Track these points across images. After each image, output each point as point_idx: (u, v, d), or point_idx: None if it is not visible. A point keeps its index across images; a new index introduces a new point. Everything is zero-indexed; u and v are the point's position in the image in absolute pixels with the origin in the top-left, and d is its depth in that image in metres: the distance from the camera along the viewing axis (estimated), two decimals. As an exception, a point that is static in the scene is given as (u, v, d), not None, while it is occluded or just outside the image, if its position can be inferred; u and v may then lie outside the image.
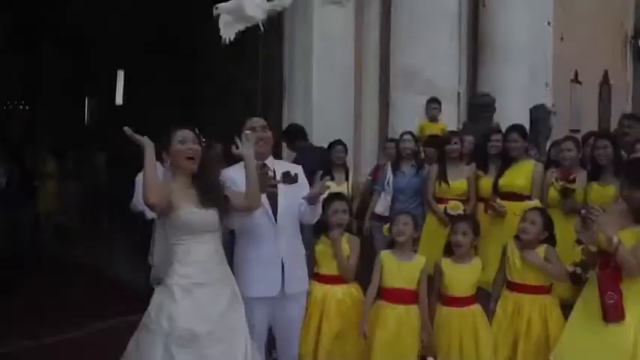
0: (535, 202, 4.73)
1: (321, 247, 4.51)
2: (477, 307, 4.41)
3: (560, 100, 11.51)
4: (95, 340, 5.67)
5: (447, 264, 4.47)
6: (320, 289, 4.44)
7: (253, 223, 4.03)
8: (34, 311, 6.41)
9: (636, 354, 3.72)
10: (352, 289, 4.51)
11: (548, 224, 4.49)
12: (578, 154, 5.68)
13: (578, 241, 4.79)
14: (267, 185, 4.02)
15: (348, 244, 4.50)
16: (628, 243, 3.73)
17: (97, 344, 5.42)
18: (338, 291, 4.44)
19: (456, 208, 6.05)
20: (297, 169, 4.32)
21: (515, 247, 4.47)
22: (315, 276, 4.52)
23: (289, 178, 4.17)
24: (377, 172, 7.13)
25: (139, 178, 6.80)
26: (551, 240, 4.50)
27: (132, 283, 7.61)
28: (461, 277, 4.42)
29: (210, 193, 3.66)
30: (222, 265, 3.68)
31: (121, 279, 8.16)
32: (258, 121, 4.28)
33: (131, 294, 6.98)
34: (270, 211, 4.09)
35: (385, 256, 4.42)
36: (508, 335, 4.35)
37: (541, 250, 4.38)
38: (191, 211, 3.53)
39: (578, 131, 10.15)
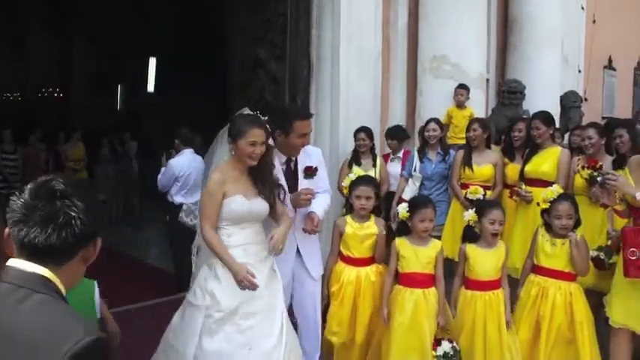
0: (556, 187, 4.67)
1: (350, 230, 4.64)
2: (501, 291, 4.44)
3: (593, 86, 11.37)
4: (124, 319, 5.77)
5: (471, 249, 4.52)
6: (352, 270, 4.59)
7: None
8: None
9: None
10: (382, 270, 4.67)
11: (577, 210, 4.55)
12: (601, 141, 5.60)
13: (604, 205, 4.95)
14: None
15: (376, 225, 4.66)
16: None
17: (126, 324, 5.52)
18: (370, 272, 4.61)
19: (475, 193, 6.05)
20: (317, 157, 4.44)
21: (546, 232, 4.55)
22: (343, 258, 4.66)
23: (311, 173, 4.32)
24: (405, 158, 7.15)
25: (172, 162, 6.97)
26: (576, 223, 4.56)
27: (160, 267, 7.77)
28: (485, 261, 4.47)
29: (265, 184, 3.84)
30: (261, 245, 3.83)
31: (150, 263, 8.33)
32: (308, 127, 4.26)
33: (160, 277, 7.12)
34: (289, 202, 4.18)
35: (401, 242, 4.47)
36: (531, 316, 4.43)
37: (574, 238, 4.44)
38: (239, 202, 3.70)
39: (615, 118, 10.02)
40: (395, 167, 7.10)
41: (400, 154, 7.23)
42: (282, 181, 4.18)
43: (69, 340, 1.55)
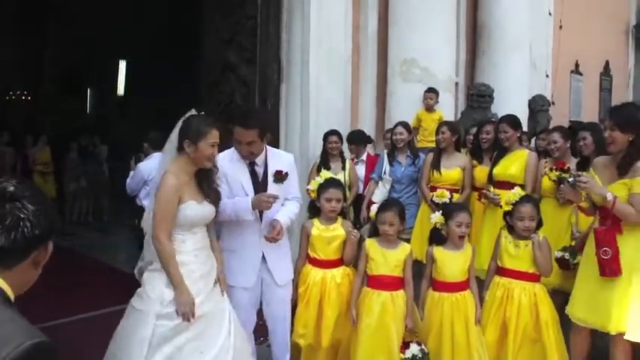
0: (518, 190, 4.72)
1: (316, 233, 4.63)
2: (468, 293, 4.48)
3: (560, 90, 11.51)
4: (90, 326, 5.74)
5: (438, 251, 4.54)
6: (317, 272, 4.59)
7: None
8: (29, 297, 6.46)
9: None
10: (349, 272, 4.67)
11: (539, 212, 4.60)
12: (566, 144, 5.72)
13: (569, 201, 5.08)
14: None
15: (342, 228, 4.66)
16: (619, 194, 4.02)
17: (91, 330, 5.49)
18: (336, 274, 4.59)
19: (441, 196, 6.07)
20: (288, 162, 4.39)
21: (509, 234, 4.59)
22: (310, 260, 4.66)
23: (280, 178, 4.25)
24: (374, 161, 7.17)
25: (141, 166, 6.92)
26: (538, 224, 4.61)
27: (129, 272, 7.70)
28: (452, 263, 4.49)
29: (210, 187, 3.81)
30: (208, 250, 3.82)
31: (119, 267, 8.25)
32: (245, 135, 4.09)
33: (129, 281, 7.06)
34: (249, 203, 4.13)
35: (371, 244, 4.48)
36: (497, 318, 4.45)
37: (537, 239, 4.47)
38: (194, 208, 3.66)
39: (578, 122, 10.16)
40: (359, 170, 7.12)
41: (364, 157, 7.26)
42: (248, 185, 4.16)
43: (9, 345, 1.52)
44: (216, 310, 3.71)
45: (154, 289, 3.59)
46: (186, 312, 3.49)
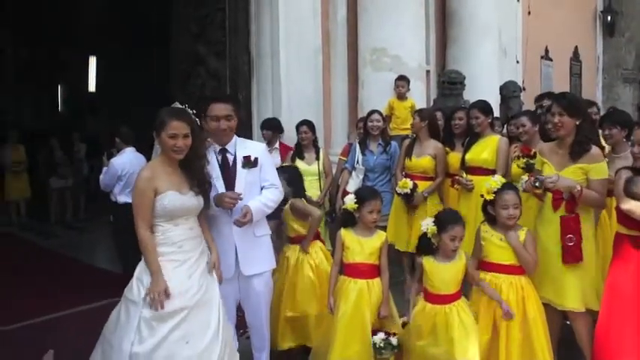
0: (499, 177, 4.56)
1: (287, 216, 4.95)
2: (461, 302, 4.25)
3: (531, 76, 11.60)
4: (70, 323, 5.69)
5: (428, 262, 4.31)
6: (290, 247, 4.97)
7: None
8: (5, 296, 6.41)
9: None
10: (321, 246, 5.01)
11: (521, 200, 4.40)
12: (534, 128, 5.67)
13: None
14: None
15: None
16: (576, 178, 4.23)
17: (71, 328, 5.46)
18: (312, 252, 4.93)
19: (403, 186, 6.06)
20: (257, 149, 4.36)
21: (491, 228, 4.35)
22: (289, 240, 5.01)
23: (249, 164, 4.22)
24: (347, 151, 7.13)
25: (113, 161, 6.85)
26: None
27: (107, 270, 7.66)
28: (445, 275, 4.25)
29: (197, 179, 3.78)
30: (196, 240, 3.80)
31: (98, 265, 8.21)
32: (223, 109, 4.14)
33: (107, 278, 7.02)
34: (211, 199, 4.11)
35: (346, 234, 4.45)
36: (487, 317, 4.25)
37: (522, 233, 4.27)
38: (172, 198, 3.64)
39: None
40: (274, 159, 6.89)
41: (277, 146, 7.21)
42: (216, 172, 4.13)
43: None
44: (204, 300, 3.69)
45: (142, 278, 3.62)
46: (155, 300, 3.50)
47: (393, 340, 4.26)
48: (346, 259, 4.41)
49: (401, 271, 6.37)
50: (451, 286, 4.23)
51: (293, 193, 4.95)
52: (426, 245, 4.32)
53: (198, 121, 3.86)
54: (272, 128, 7.13)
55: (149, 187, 3.61)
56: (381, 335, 4.24)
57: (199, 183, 3.79)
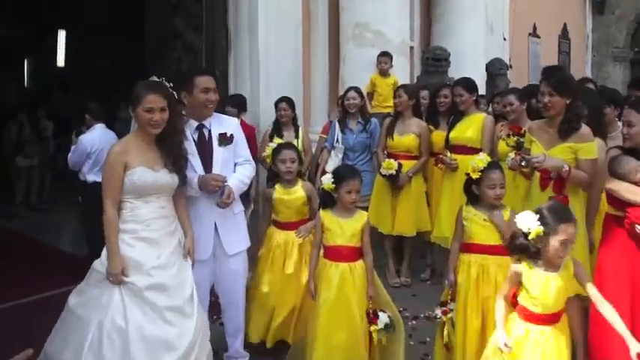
0: (485, 156, 4.40)
1: (277, 196, 4.83)
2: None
3: (519, 53, 11.62)
4: (37, 309, 5.63)
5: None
6: (280, 234, 4.82)
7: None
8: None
9: None
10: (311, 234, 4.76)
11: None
12: (522, 106, 5.74)
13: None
14: None
15: (303, 190, 4.85)
16: (564, 157, 4.24)
17: (42, 312, 5.40)
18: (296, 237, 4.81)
19: (388, 167, 6.07)
20: (232, 125, 4.37)
21: (473, 208, 4.27)
22: (274, 223, 4.90)
23: (225, 140, 4.24)
24: (327, 128, 7.12)
25: (82, 138, 6.78)
26: None
27: (75, 252, 7.60)
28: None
29: (173, 155, 3.77)
30: (167, 220, 3.78)
31: (63, 248, 8.14)
32: (211, 81, 4.20)
33: (74, 262, 6.95)
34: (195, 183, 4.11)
35: (325, 215, 4.39)
36: (477, 302, 4.15)
37: (505, 212, 4.22)
38: (142, 174, 3.63)
39: (537, 86, 10.25)
40: None
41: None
42: (192, 149, 4.10)
43: None
44: (175, 282, 3.68)
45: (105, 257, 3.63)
46: (114, 276, 3.53)
47: (392, 316, 4.26)
48: (326, 241, 4.36)
49: (383, 254, 6.39)
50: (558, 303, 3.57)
51: None
52: (525, 248, 3.53)
53: (176, 95, 3.84)
54: (237, 105, 6.99)
55: (119, 161, 3.61)
56: (384, 315, 4.20)
57: (175, 160, 3.77)
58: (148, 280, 3.57)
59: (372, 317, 4.22)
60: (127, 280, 3.54)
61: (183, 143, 3.91)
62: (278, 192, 4.83)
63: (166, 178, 3.73)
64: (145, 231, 3.65)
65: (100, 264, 3.64)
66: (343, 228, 4.31)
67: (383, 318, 4.20)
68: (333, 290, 4.24)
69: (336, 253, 4.31)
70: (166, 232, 3.74)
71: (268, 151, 5.15)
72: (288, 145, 5.00)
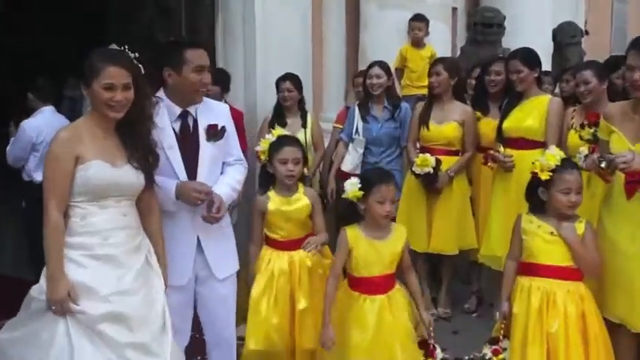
0: (557, 150, 4.41)
1: (274, 207, 4.75)
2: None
3: (598, 15, 11.53)
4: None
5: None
6: (282, 257, 4.75)
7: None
8: None
9: None
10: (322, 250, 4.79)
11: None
12: (601, 85, 5.61)
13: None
14: None
15: (307, 197, 4.79)
16: None
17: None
18: (304, 257, 4.72)
19: (424, 164, 6.06)
20: (223, 114, 4.40)
21: (537, 218, 4.34)
22: (270, 243, 4.80)
23: (215, 134, 4.23)
24: (343, 116, 7.16)
25: (25, 125, 6.82)
26: None
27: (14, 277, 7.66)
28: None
29: (140, 148, 3.74)
30: (130, 231, 3.73)
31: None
32: (206, 58, 4.20)
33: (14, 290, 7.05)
34: (186, 177, 4.14)
35: (354, 235, 4.36)
36: (538, 336, 4.20)
37: (579, 225, 4.26)
38: (99, 169, 3.57)
39: (623, 57, 10.22)
40: None
41: None
42: (172, 142, 4.12)
43: None
44: (137, 314, 3.61)
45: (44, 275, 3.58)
46: (57, 311, 3.46)
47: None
48: (357, 272, 4.35)
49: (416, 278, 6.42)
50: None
51: None
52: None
53: (142, 69, 3.74)
54: (219, 83, 6.85)
55: (68, 152, 3.53)
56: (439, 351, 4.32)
57: (142, 154, 3.73)
58: (105, 308, 3.50)
59: (430, 350, 4.30)
60: (76, 309, 3.46)
61: (152, 133, 3.83)
62: (274, 202, 4.74)
63: (130, 176, 3.68)
64: (101, 246, 3.58)
65: (38, 289, 3.58)
66: (380, 253, 4.33)
67: (439, 352, 4.31)
68: (370, 332, 4.25)
69: (371, 285, 4.33)
70: (130, 248, 3.69)
71: (264, 144, 4.94)
72: (292, 140, 4.90)
